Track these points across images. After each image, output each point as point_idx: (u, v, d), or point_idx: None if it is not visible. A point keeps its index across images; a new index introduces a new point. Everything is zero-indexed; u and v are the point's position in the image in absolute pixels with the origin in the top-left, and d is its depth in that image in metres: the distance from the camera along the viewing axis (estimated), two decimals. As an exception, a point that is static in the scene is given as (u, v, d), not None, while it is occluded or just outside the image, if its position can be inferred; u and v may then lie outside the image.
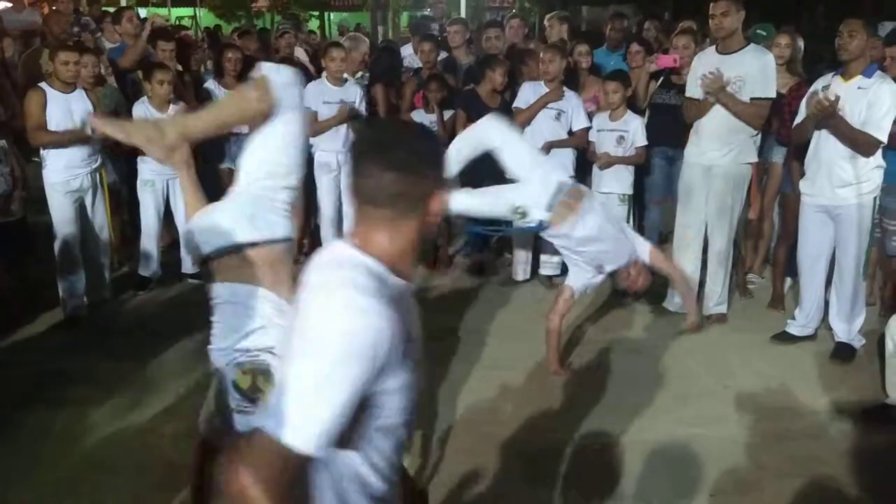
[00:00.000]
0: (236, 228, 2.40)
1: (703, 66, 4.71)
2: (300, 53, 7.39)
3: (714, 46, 4.77)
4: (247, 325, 2.41)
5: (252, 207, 2.43)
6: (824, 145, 4.30)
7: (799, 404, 4.02)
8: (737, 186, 4.82)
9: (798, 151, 4.70)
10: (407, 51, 7.16)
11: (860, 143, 4.15)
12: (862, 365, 4.39)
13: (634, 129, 5.28)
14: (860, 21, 4.17)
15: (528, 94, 5.46)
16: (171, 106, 5.35)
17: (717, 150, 4.74)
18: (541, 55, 5.46)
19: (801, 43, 5.52)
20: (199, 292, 5.84)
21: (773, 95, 4.67)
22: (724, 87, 4.54)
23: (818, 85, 4.33)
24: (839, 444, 3.64)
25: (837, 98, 4.13)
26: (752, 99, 4.58)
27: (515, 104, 5.51)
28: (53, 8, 8.27)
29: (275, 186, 2.45)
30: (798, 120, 4.50)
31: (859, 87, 4.17)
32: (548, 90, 5.40)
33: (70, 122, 4.79)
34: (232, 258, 2.41)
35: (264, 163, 2.46)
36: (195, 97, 5.79)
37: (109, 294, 5.30)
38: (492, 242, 6.25)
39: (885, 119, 4.11)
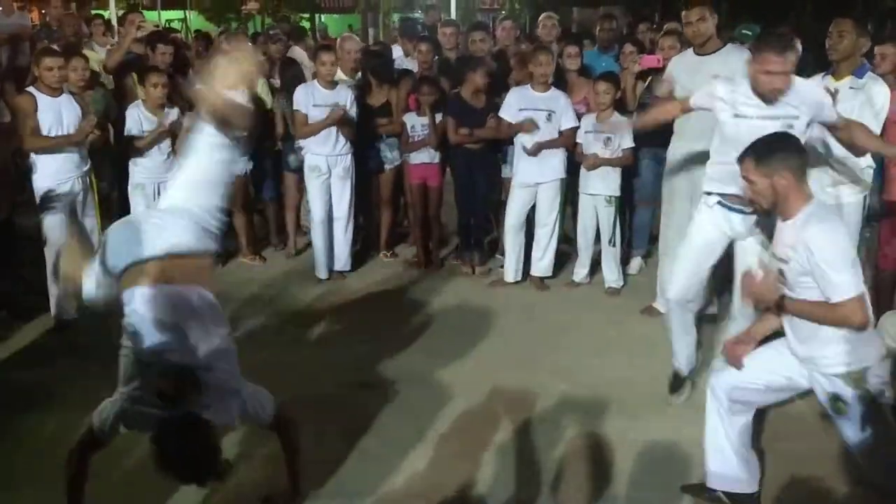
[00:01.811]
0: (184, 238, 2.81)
1: (682, 67, 4.75)
2: (303, 56, 7.36)
3: (692, 49, 4.79)
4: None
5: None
6: (814, 145, 4.32)
7: (789, 404, 4.02)
8: None
9: None
10: (396, 52, 7.15)
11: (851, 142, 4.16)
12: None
13: (621, 131, 5.30)
14: (850, 21, 4.19)
15: (514, 99, 5.47)
16: (165, 109, 5.34)
17: (700, 151, 4.75)
18: (535, 58, 5.46)
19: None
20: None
21: None
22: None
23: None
24: (829, 444, 3.63)
25: (837, 91, 4.16)
26: None
27: (501, 111, 5.52)
28: (67, 13, 8.24)
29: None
30: None
31: (851, 88, 4.19)
32: (534, 94, 5.42)
33: (60, 125, 4.79)
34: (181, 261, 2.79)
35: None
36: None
37: (100, 298, 5.28)
38: (484, 243, 6.26)
39: (875, 120, 4.12)
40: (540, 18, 6.95)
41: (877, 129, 4.16)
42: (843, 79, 4.22)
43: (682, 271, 3.88)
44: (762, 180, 2.80)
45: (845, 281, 2.68)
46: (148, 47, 5.91)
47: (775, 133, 3.12)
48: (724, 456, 3.11)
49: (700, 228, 3.87)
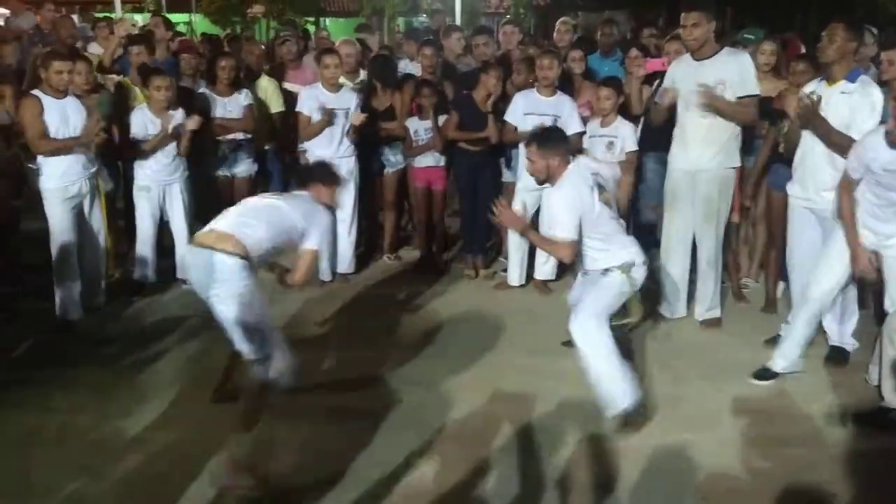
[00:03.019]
0: None
1: (680, 72, 4.75)
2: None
3: (689, 54, 4.79)
4: None
5: None
6: (810, 149, 4.32)
7: (793, 408, 4.02)
8: (722, 191, 4.85)
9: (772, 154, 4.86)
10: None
11: (842, 146, 4.16)
12: (856, 368, 4.39)
13: (624, 135, 5.29)
14: (842, 25, 4.16)
15: (519, 104, 5.47)
16: (170, 112, 5.35)
17: (702, 156, 4.77)
18: (540, 61, 5.45)
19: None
20: (194, 297, 5.83)
21: (757, 92, 4.69)
22: (714, 97, 4.56)
23: (805, 90, 4.35)
24: (833, 449, 3.64)
25: (819, 98, 4.16)
26: (738, 98, 4.62)
27: (506, 115, 5.52)
28: (62, 15, 8.30)
29: None
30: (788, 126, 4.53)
31: (843, 92, 4.18)
32: (540, 98, 5.41)
33: (66, 127, 4.80)
34: None
35: None
36: (189, 104, 5.81)
37: (104, 300, 5.30)
38: (487, 246, 6.26)
39: (866, 123, 4.09)
40: (557, 23, 6.95)
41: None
42: (836, 83, 4.21)
43: (828, 283, 4.16)
44: (541, 161, 3.83)
45: (563, 224, 3.73)
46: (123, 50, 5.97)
47: (550, 126, 4.25)
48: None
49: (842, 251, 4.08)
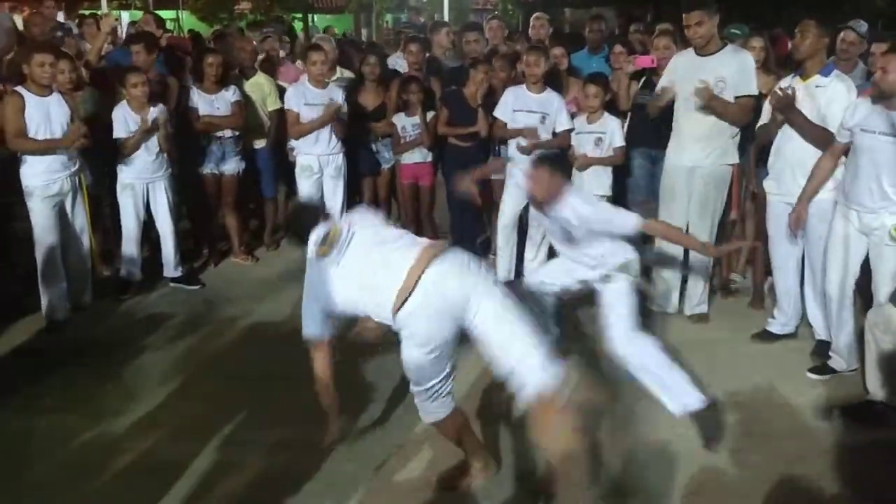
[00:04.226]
0: None
1: (682, 67, 4.76)
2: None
3: (692, 48, 4.80)
4: None
5: None
6: (787, 144, 4.34)
7: (780, 402, 4.04)
8: (718, 187, 4.86)
9: (759, 153, 4.80)
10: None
11: (818, 139, 4.18)
12: (843, 362, 4.41)
13: (611, 131, 5.31)
14: (813, 21, 4.21)
15: (509, 100, 5.47)
16: (151, 108, 5.32)
17: (699, 152, 4.78)
18: (526, 57, 5.46)
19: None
20: (182, 296, 5.80)
21: (756, 92, 4.71)
22: (713, 96, 4.57)
23: (780, 86, 4.38)
24: (821, 442, 3.65)
25: (793, 89, 4.20)
26: (736, 98, 4.63)
27: (496, 111, 5.52)
28: (35, 11, 8.22)
29: None
30: (761, 122, 4.55)
31: (817, 86, 4.22)
32: (529, 94, 5.41)
33: (49, 125, 4.76)
34: None
35: None
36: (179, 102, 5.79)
37: (91, 299, 5.27)
38: (477, 242, 6.25)
39: (840, 116, 4.12)
40: (531, 19, 6.95)
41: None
42: (810, 78, 4.24)
43: (837, 272, 4.13)
44: (550, 181, 3.65)
45: (625, 214, 3.79)
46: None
47: (556, 153, 4.38)
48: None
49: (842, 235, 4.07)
